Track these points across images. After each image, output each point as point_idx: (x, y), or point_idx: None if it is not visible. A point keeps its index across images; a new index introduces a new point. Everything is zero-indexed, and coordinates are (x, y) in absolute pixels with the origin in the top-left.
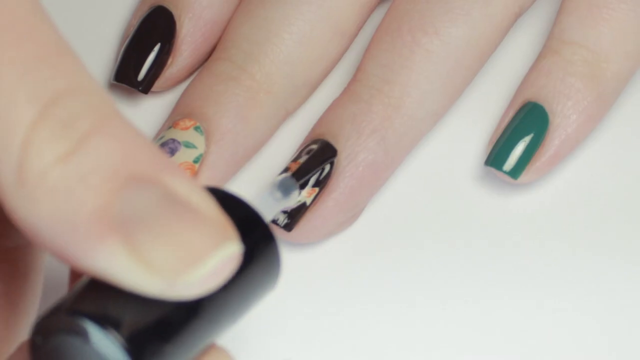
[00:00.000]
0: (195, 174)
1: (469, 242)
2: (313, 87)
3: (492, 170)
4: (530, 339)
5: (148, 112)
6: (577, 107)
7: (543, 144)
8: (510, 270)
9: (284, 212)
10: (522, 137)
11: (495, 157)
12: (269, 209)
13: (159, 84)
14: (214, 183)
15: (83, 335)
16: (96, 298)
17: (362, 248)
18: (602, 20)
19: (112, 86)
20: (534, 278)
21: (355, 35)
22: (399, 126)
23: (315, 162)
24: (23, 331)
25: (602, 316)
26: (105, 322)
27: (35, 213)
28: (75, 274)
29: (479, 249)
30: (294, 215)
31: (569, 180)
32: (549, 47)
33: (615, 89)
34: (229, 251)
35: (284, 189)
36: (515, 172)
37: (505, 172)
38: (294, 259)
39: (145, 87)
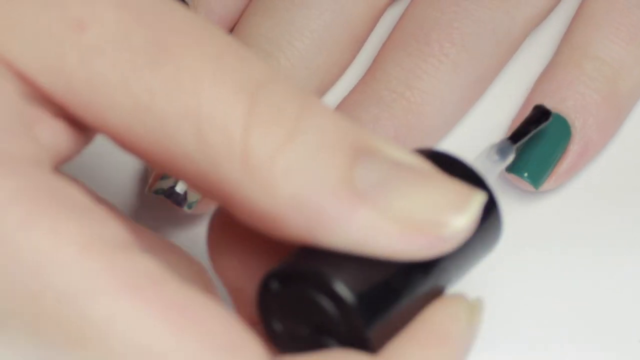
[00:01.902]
0: None
1: None
2: (323, 93)
3: (510, 177)
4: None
5: None
6: (596, 122)
7: (564, 156)
8: (521, 274)
9: None
10: (546, 147)
11: (517, 165)
12: (487, 171)
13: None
14: None
15: (322, 288)
16: (333, 257)
17: None
18: (630, 39)
19: None
20: (547, 282)
21: (366, 39)
22: (417, 133)
23: None
24: None
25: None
26: (342, 278)
27: (275, 197)
28: None
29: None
30: None
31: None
32: (570, 58)
33: (630, 105)
34: (481, 197)
35: (501, 151)
36: (537, 182)
37: (528, 181)
38: None
39: None
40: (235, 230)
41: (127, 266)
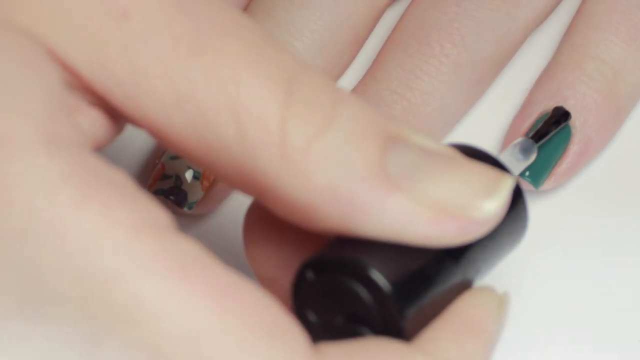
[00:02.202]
0: None
1: None
2: None
3: None
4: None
5: None
6: (596, 122)
7: (564, 155)
8: (521, 274)
9: None
10: (547, 147)
11: None
12: (511, 168)
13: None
14: None
15: (358, 275)
16: (367, 246)
17: None
18: (630, 40)
19: None
20: (547, 282)
21: (366, 40)
22: None
23: None
24: None
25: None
26: (377, 266)
27: (311, 186)
28: None
29: None
30: None
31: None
32: (571, 59)
33: (630, 106)
34: (511, 181)
35: (524, 150)
36: (537, 181)
37: (528, 180)
38: None
39: None
40: (270, 222)
41: (175, 249)
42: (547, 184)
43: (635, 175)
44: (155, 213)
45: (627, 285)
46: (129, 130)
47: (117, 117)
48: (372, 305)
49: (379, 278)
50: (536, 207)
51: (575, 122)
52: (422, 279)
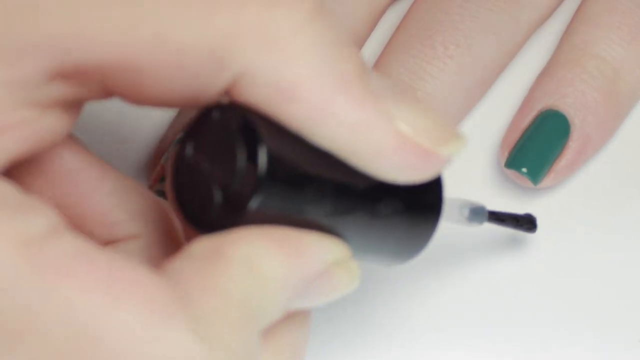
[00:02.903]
0: None
1: (481, 244)
2: None
3: (509, 172)
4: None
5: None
6: (596, 121)
7: (563, 153)
8: (520, 273)
9: None
10: (545, 143)
11: (517, 160)
12: (451, 214)
13: None
14: None
15: (249, 137)
16: (282, 130)
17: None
18: (631, 39)
19: None
20: (546, 282)
21: (367, 40)
22: None
23: None
24: None
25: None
26: (271, 145)
27: (295, 68)
28: None
29: (489, 252)
30: None
31: (579, 184)
32: (571, 57)
33: (630, 105)
34: (465, 140)
35: (474, 216)
36: (536, 177)
37: (527, 176)
38: None
39: None
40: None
41: (56, 253)
42: (546, 182)
43: (635, 174)
44: (35, 221)
45: (627, 284)
46: (131, 132)
47: (75, 106)
48: (241, 172)
49: (263, 152)
50: (536, 206)
51: (574, 119)
52: (306, 184)
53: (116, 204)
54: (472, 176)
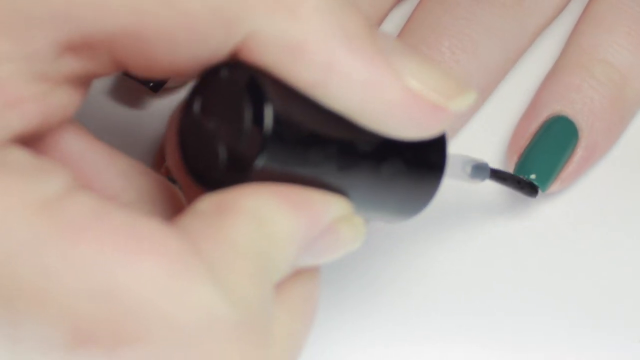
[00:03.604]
0: None
1: (481, 242)
2: None
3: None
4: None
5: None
6: (603, 127)
7: (571, 159)
8: (521, 274)
9: None
10: (554, 150)
11: (526, 167)
12: (454, 170)
13: (170, 84)
14: None
15: (256, 97)
16: (293, 92)
17: (377, 253)
18: (638, 44)
19: (120, 80)
20: (547, 282)
21: None
22: None
23: None
24: None
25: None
26: (280, 106)
27: (302, 30)
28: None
29: (492, 252)
30: None
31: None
32: (579, 61)
33: (635, 110)
34: (475, 95)
35: (476, 173)
36: (545, 185)
37: (535, 183)
38: None
39: (156, 85)
40: None
41: (70, 214)
42: (553, 188)
43: (636, 174)
44: (50, 183)
45: (627, 285)
46: (134, 132)
47: (84, 82)
48: (246, 133)
49: (269, 112)
50: (535, 207)
51: (582, 125)
52: (312, 144)
53: (125, 186)
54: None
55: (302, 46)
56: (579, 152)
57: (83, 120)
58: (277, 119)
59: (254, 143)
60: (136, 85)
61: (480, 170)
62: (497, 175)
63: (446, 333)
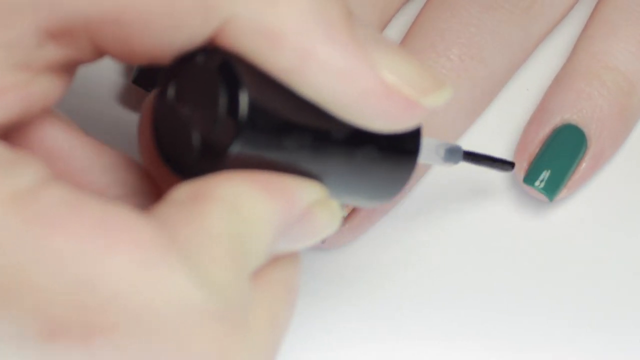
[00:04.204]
0: None
1: (480, 242)
2: None
3: (525, 187)
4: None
5: None
6: (610, 134)
7: (578, 167)
8: (522, 274)
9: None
10: (563, 159)
11: (535, 177)
12: (428, 154)
13: None
14: None
15: (231, 83)
16: (269, 80)
17: (376, 252)
18: None
19: (130, 88)
20: (548, 282)
21: None
22: None
23: None
24: None
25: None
26: (253, 94)
27: (280, 15)
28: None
29: (495, 255)
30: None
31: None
32: (589, 67)
33: (638, 116)
34: (451, 91)
35: (450, 156)
36: (552, 194)
37: (543, 192)
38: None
39: None
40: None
41: (44, 205)
42: (560, 195)
43: (636, 175)
44: (23, 175)
45: (627, 285)
46: (131, 132)
47: (66, 70)
48: (221, 119)
49: (244, 97)
50: (536, 207)
51: (591, 134)
52: (286, 132)
53: (112, 181)
54: (478, 180)
55: (279, 32)
56: (587, 160)
57: (94, 125)
58: (252, 106)
59: (229, 129)
60: (144, 93)
61: (454, 153)
62: (471, 157)
63: (446, 333)
